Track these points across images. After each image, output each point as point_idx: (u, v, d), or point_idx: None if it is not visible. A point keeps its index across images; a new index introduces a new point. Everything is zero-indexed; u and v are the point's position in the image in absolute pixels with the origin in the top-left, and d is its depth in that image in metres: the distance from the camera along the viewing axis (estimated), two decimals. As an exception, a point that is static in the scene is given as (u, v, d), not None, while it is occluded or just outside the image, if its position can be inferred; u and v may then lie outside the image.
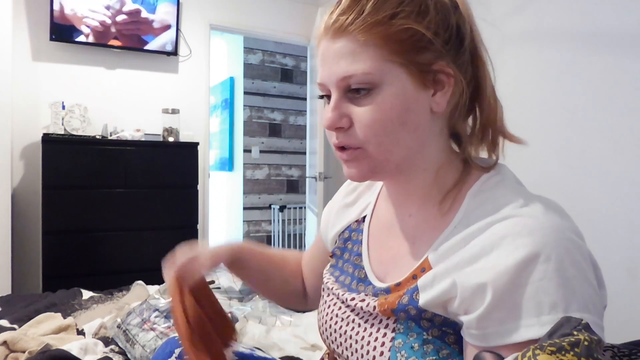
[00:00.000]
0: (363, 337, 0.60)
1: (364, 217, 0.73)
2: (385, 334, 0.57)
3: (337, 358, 0.66)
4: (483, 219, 0.53)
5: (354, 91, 0.57)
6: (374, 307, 0.59)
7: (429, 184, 0.62)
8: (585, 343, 0.35)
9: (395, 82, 0.55)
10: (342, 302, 0.66)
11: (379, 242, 0.68)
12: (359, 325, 0.61)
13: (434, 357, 0.53)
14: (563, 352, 0.34)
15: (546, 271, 0.46)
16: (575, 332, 0.37)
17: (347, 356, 0.62)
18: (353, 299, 0.63)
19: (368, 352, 0.58)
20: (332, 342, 0.66)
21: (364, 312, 0.61)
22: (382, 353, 0.56)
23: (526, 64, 2.24)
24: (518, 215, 0.51)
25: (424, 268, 0.57)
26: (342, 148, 0.60)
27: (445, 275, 0.53)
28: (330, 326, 0.66)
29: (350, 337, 0.62)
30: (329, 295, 0.70)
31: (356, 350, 0.60)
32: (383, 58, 0.55)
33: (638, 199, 1.83)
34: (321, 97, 0.62)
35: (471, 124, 0.63)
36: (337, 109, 0.58)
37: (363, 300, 0.61)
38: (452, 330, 0.54)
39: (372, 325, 0.59)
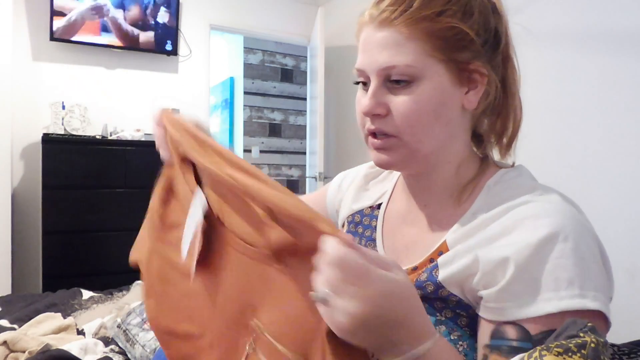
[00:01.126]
0: None
1: (379, 204, 0.75)
2: None
3: None
4: (502, 205, 0.55)
5: (394, 81, 0.58)
6: None
7: (449, 177, 0.64)
8: (592, 345, 0.35)
9: (434, 77, 0.57)
10: None
11: (393, 230, 0.70)
12: None
13: (446, 339, 0.54)
14: (570, 354, 0.34)
15: (564, 250, 0.49)
16: (581, 334, 0.37)
17: None
18: None
19: None
20: None
21: None
22: None
23: (526, 64, 2.24)
24: (537, 201, 0.54)
25: (441, 252, 0.59)
26: (375, 135, 0.61)
27: (466, 253, 0.54)
28: None
29: None
30: None
31: None
32: (425, 53, 0.57)
33: (638, 199, 1.83)
34: (357, 82, 0.64)
35: (487, 124, 0.66)
36: (376, 96, 0.59)
37: None
38: (465, 313, 0.55)
39: None
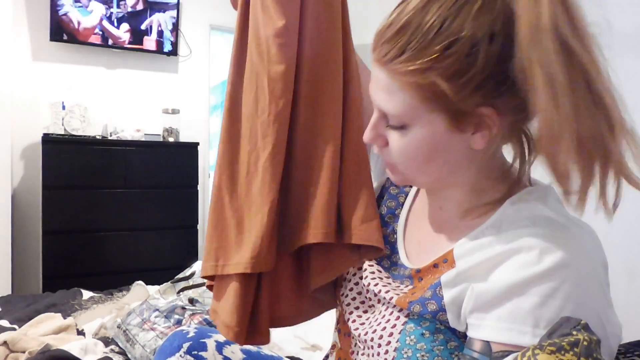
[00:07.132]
0: (377, 319, 0.63)
1: (407, 193, 0.75)
2: (398, 317, 0.60)
3: (348, 325, 0.69)
4: (514, 226, 0.53)
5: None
6: (392, 297, 0.62)
7: (461, 196, 0.62)
8: (585, 343, 0.35)
9: (425, 126, 0.55)
10: (367, 290, 0.69)
11: (413, 223, 0.71)
12: (377, 309, 0.65)
13: (442, 347, 0.55)
14: (562, 352, 0.34)
15: (556, 289, 0.47)
16: (574, 332, 0.37)
17: (360, 333, 0.65)
18: (379, 291, 0.65)
19: (375, 330, 0.62)
20: (350, 314, 0.69)
21: (385, 300, 0.64)
22: (391, 334, 0.59)
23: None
24: (549, 231, 0.51)
25: (446, 259, 0.59)
26: None
27: (467, 275, 0.54)
28: (348, 304, 0.70)
29: (365, 312, 0.66)
30: (355, 282, 0.73)
31: (371, 326, 0.64)
32: (414, 104, 0.54)
33: (638, 199, 1.83)
34: None
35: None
36: (375, 128, 0.60)
37: (387, 291, 0.63)
38: None
39: (387, 308, 0.63)
